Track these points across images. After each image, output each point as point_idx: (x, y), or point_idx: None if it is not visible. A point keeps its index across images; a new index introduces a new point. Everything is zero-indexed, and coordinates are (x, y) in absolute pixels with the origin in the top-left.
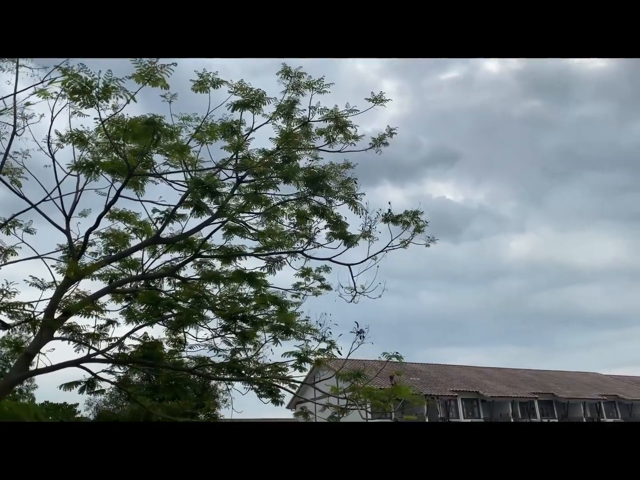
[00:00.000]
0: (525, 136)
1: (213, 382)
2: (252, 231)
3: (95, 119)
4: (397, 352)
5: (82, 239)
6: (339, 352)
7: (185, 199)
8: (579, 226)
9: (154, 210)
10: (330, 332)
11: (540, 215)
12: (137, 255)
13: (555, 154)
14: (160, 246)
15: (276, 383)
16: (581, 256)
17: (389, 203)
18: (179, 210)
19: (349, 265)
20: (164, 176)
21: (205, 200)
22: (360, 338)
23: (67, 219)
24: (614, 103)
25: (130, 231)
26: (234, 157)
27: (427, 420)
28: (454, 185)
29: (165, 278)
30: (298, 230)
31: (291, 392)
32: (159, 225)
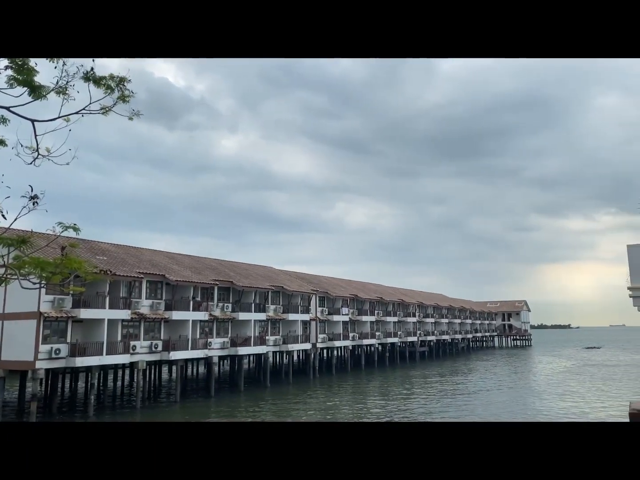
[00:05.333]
0: None
1: None
2: None
3: None
4: (75, 224)
5: None
6: (3, 216)
7: None
8: (282, 138)
9: None
10: None
11: (252, 120)
12: None
13: (276, 64)
14: None
15: None
16: (279, 165)
17: (93, 61)
18: None
19: (32, 120)
20: None
21: None
22: (33, 204)
23: None
24: None
25: None
26: None
27: (107, 297)
28: (178, 68)
29: None
30: None
31: None
32: None
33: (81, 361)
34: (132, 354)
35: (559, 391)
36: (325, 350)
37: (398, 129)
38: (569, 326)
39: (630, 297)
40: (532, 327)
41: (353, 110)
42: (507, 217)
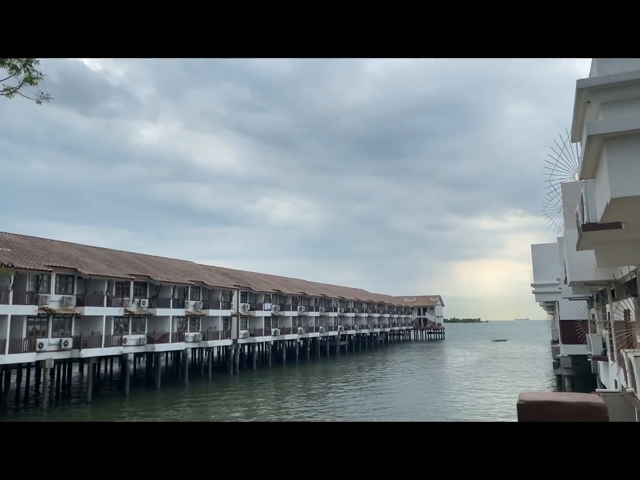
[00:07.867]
0: None
1: None
2: None
3: None
4: None
5: None
6: None
7: None
8: (206, 129)
9: None
10: None
11: (174, 110)
12: None
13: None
14: None
15: None
16: (202, 157)
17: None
18: None
19: None
20: None
21: None
22: None
23: None
24: None
25: None
26: None
27: (11, 291)
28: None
29: None
30: None
31: None
32: None
33: None
34: (38, 352)
35: (470, 385)
36: (246, 346)
37: (323, 126)
38: (478, 320)
39: (533, 292)
40: (446, 321)
41: (278, 104)
42: (425, 215)
